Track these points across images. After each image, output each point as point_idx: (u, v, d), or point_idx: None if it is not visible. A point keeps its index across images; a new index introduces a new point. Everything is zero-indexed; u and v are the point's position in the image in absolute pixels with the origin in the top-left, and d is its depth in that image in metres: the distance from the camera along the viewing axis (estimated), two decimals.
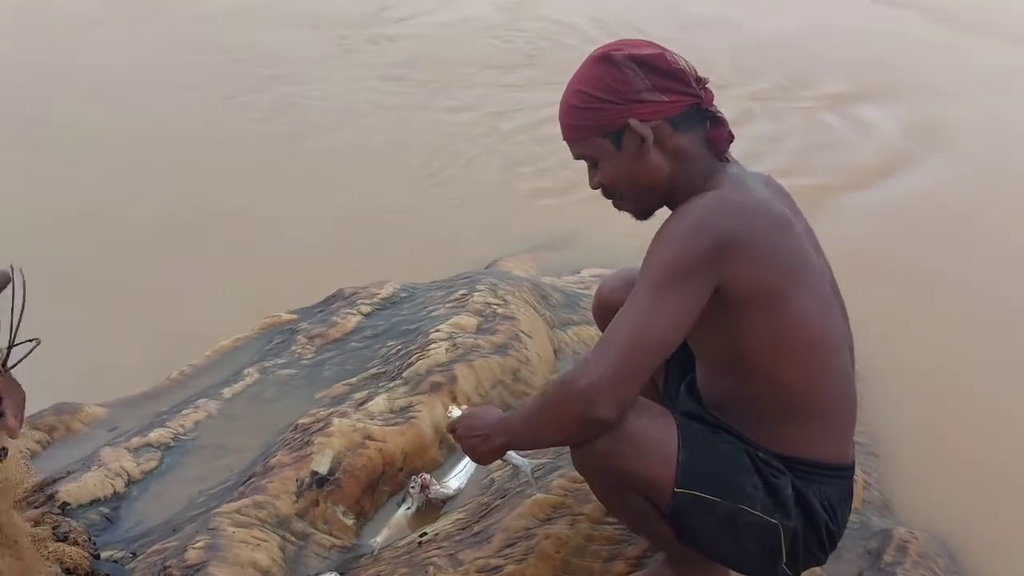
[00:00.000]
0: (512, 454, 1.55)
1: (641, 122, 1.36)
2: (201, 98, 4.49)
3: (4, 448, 1.39)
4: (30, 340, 1.15)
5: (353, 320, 2.44)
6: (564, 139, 1.45)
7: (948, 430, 2.42)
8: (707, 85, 1.41)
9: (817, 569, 1.73)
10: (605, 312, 1.62)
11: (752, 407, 1.41)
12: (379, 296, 2.56)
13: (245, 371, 2.26)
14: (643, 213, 1.46)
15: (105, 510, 1.82)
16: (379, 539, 1.76)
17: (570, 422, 1.32)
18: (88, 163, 3.87)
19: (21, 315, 1.14)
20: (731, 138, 1.41)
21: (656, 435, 1.37)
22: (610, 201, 1.48)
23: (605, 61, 1.38)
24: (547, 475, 1.85)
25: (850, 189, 3.79)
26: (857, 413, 2.28)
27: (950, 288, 3.11)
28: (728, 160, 1.41)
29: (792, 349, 1.35)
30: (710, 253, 1.29)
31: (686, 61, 1.39)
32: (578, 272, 3.13)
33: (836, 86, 4.85)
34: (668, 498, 1.37)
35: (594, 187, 1.46)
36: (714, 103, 1.41)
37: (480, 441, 1.47)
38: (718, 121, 1.40)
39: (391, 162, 3.93)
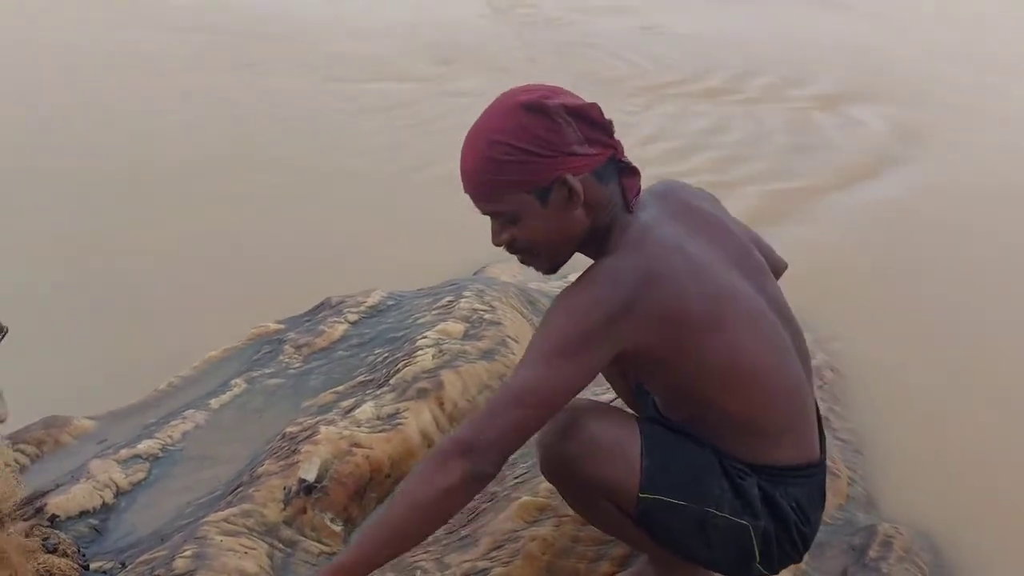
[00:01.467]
0: None
1: (575, 176, 1.31)
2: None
3: None
4: None
5: (340, 329, 2.45)
6: (471, 194, 1.35)
7: (932, 427, 2.45)
8: (613, 130, 1.36)
9: (802, 566, 1.76)
10: None
11: (708, 428, 1.42)
12: (366, 304, 2.57)
13: (232, 381, 2.27)
14: (554, 268, 1.42)
15: (94, 522, 1.83)
16: None
17: (450, 494, 1.28)
18: (68, 175, 3.88)
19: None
20: (639, 190, 1.38)
21: (619, 440, 1.39)
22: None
23: (535, 111, 1.29)
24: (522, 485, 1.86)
25: (833, 190, 3.84)
26: (840, 409, 2.31)
27: (933, 288, 3.15)
28: (632, 211, 1.36)
29: (730, 383, 1.36)
30: (604, 329, 1.28)
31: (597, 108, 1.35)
32: (565, 277, 3.15)
33: (822, 88, 4.90)
34: (634, 503, 1.38)
35: (500, 243, 1.38)
36: (624, 153, 1.37)
37: None
38: (631, 171, 1.37)
39: (377, 169, 3.95)
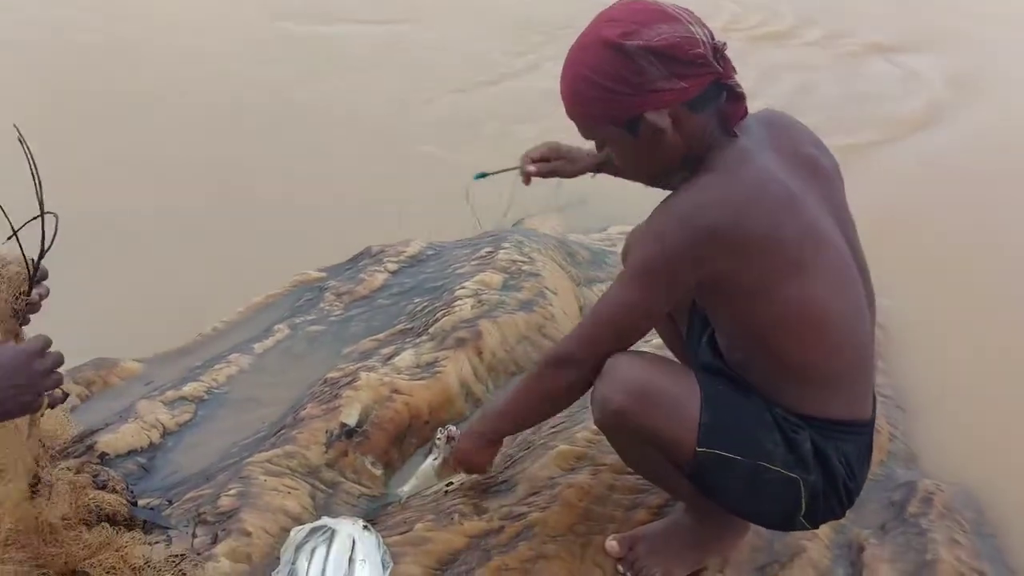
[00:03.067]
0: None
1: (658, 112, 1.30)
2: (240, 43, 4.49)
3: (51, 396, 1.44)
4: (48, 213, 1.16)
5: (380, 278, 2.47)
6: (572, 118, 1.39)
7: (976, 386, 2.40)
8: (724, 52, 1.32)
9: (842, 520, 1.75)
10: None
11: (767, 371, 1.41)
12: (405, 254, 2.58)
13: (276, 327, 2.30)
14: (652, 184, 1.44)
15: (141, 460, 1.88)
16: (406, 488, 1.80)
17: (555, 393, 1.49)
18: (123, 106, 3.91)
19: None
20: (745, 113, 1.35)
21: (678, 395, 1.39)
22: None
23: (616, 51, 1.28)
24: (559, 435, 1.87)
25: (886, 142, 3.73)
26: (884, 366, 2.28)
27: (986, 244, 3.06)
28: (736, 135, 1.34)
29: (798, 329, 1.35)
30: (688, 253, 1.30)
31: (703, 30, 1.30)
32: (605, 229, 3.13)
33: (876, 36, 4.75)
34: (689, 457, 1.39)
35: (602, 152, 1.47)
36: (733, 76, 1.33)
37: (475, 452, 1.64)
38: (735, 96, 1.34)
39: (416, 120, 3.93)
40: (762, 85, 4.09)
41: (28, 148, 1.11)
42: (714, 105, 1.33)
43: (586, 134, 1.40)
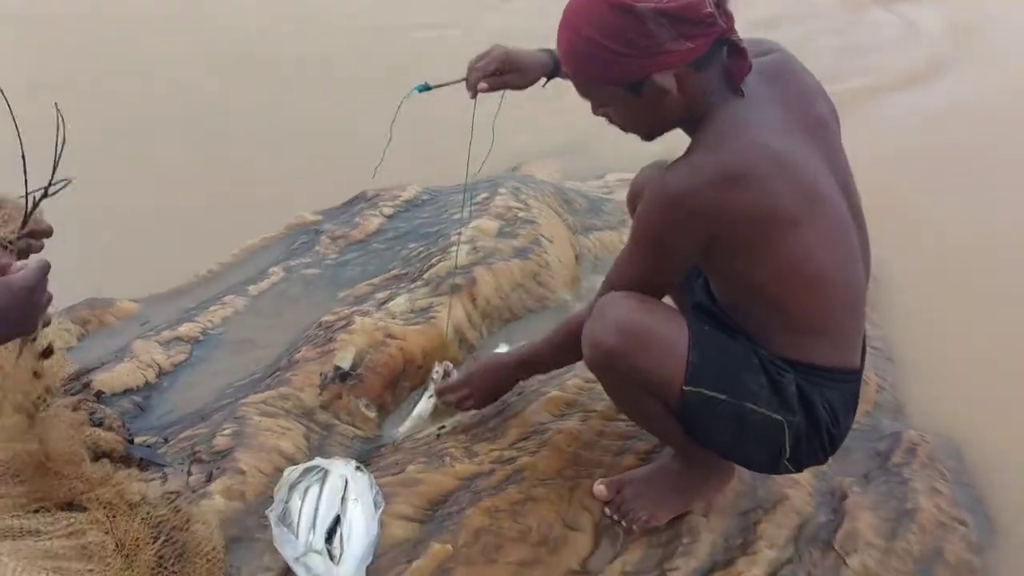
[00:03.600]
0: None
1: (664, 73, 1.29)
2: None
3: (50, 344, 1.46)
4: (62, 181, 1.16)
5: (376, 222, 2.47)
6: (574, 79, 1.38)
7: (965, 339, 2.41)
8: (727, 7, 1.30)
9: (824, 468, 1.78)
10: (637, 203, 1.63)
11: (758, 318, 1.44)
12: (401, 198, 2.57)
13: (271, 269, 2.31)
14: (651, 139, 1.44)
15: (137, 399, 1.90)
16: (403, 428, 1.83)
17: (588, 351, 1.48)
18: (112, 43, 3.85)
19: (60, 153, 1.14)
20: (749, 68, 1.34)
21: (667, 335, 1.42)
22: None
23: (625, 12, 1.25)
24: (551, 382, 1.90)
25: (882, 93, 3.70)
26: (876, 317, 2.30)
27: (978, 199, 3.05)
28: (743, 93, 1.34)
29: (793, 282, 1.37)
30: (686, 226, 1.33)
31: None
32: (602, 177, 3.12)
33: None
34: (676, 396, 1.42)
35: (598, 115, 1.43)
36: (735, 30, 1.32)
37: (498, 381, 1.76)
38: (738, 52, 1.32)
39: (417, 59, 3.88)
40: (762, 34, 4.04)
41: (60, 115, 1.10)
42: (717, 61, 1.33)
43: (583, 93, 1.39)
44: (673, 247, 1.38)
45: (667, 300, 1.73)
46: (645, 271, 1.43)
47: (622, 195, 2.07)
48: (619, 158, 3.16)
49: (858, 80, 3.77)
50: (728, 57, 1.33)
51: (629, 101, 1.34)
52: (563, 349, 1.61)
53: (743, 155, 1.31)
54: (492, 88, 1.62)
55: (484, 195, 2.53)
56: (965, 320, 2.47)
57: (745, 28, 1.35)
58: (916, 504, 1.78)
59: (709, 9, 1.27)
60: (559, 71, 1.59)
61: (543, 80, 1.65)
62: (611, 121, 1.42)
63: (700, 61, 1.30)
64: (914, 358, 2.33)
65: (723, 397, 1.41)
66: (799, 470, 1.54)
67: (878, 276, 2.60)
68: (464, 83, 1.64)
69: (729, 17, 1.31)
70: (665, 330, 1.42)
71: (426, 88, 1.65)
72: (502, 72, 1.61)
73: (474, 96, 1.63)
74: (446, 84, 1.65)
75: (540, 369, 1.76)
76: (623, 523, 1.62)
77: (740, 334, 1.45)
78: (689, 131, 1.38)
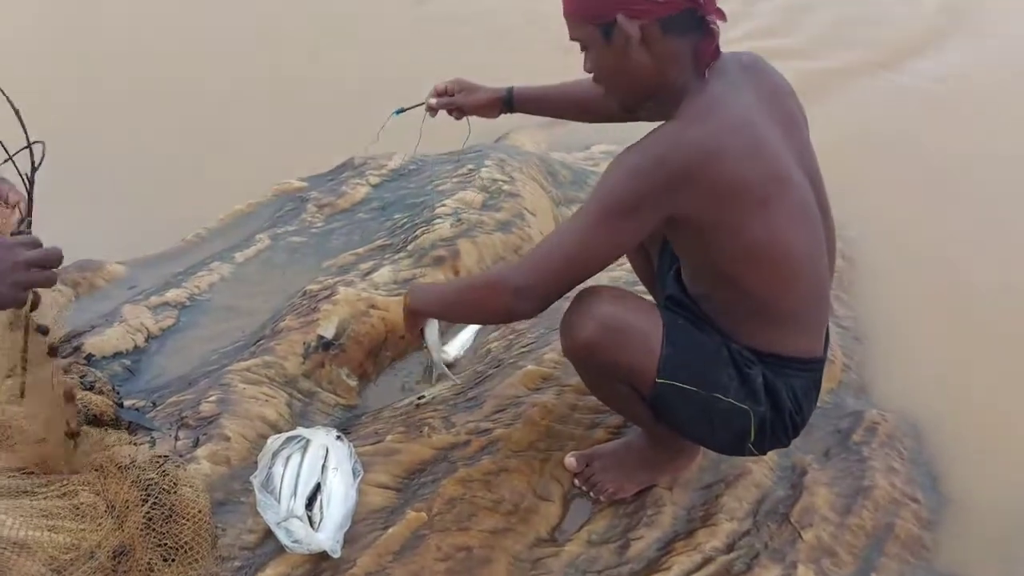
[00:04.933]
0: (431, 343, 1.73)
1: (630, 19, 1.35)
2: None
3: (37, 296, 1.48)
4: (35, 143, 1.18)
5: (362, 191, 2.50)
6: (564, 15, 1.45)
7: (933, 320, 2.48)
8: None
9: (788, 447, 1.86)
10: None
11: (727, 306, 1.50)
12: (388, 167, 2.61)
13: (257, 236, 2.35)
14: (625, 108, 1.49)
15: (127, 362, 1.96)
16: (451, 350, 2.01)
17: (492, 309, 1.52)
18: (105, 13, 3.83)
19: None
20: (716, 55, 1.39)
21: (643, 328, 1.48)
22: None
23: None
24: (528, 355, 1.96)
25: (873, 69, 3.72)
26: (846, 297, 2.36)
27: (961, 177, 3.10)
28: (706, 76, 1.39)
29: (760, 264, 1.42)
30: (658, 192, 1.35)
31: None
32: (588, 148, 3.15)
33: None
34: (650, 386, 1.48)
35: (587, 71, 1.48)
36: (713, 12, 1.37)
37: (403, 301, 1.67)
38: (709, 33, 1.38)
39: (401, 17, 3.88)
40: (758, 4, 4.05)
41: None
42: (688, 37, 1.38)
43: (571, 32, 1.45)
44: (642, 211, 1.36)
45: (643, 293, 1.80)
46: (604, 237, 1.39)
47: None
48: (605, 130, 3.18)
49: (849, 54, 3.80)
50: (699, 37, 1.38)
51: (601, 47, 1.40)
52: (457, 298, 1.62)
53: (725, 127, 1.36)
54: (443, 106, 1.84)
55: (470, 167, 2.57)
56: (933, 303, 2.53)
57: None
58: (872, 481, 1.87)
59: None
60: (514, 105, 1.81)
61: (499, 112, 1.84)
62: (595, 78, 1.48)
63: (668, 23, 1.36)
64: (882, 338, 2.40)
65: (694, 389, 1.47)
66: (763, 453, 1.63)
67: (852, 256, 2.67)
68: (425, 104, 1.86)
69: (711, 0, 1.37)
70: (641, 324, 1.48)
71: (402, 111, 1.88)
72: (453, 93, 1.83)
73: (433, 114, 1.85)
74: (414, 107, 1.87)
75: (431, 309, 1.67)
76: (591, 494, 1.70)
77: (711, 327, 1.50)
78: (663, 111, 1.42)
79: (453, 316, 1.78)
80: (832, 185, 1.54)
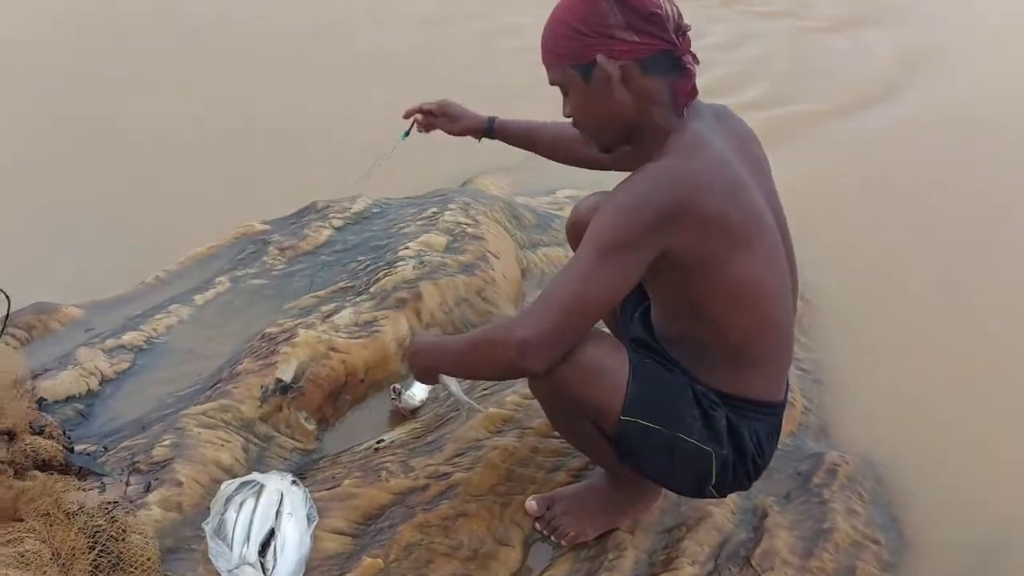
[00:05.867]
0: (449, 380, 1.63)
1: (609, 59, 1.38)
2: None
3: None
4: None
5: (325, 233, 2.50)
6: (542, 59, 1.48)
7: (894, 362, 2.51)
8: (687, 33, 1.42)
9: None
10: (578, 231, 1.67)
11: (697, 348, 1.51)
12: (351, 210, 2.61)
13: (217, 279, 2.33)
14: (604, 148, 1.52)
15: (80, 406, 1.92)
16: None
17: (500, 366, 1.46)
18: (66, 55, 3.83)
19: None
20: (694, 93, 1.43)
21: (609, 366, 1.48)
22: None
23: None
24: (489, 397, 1.95)
25: (831, 117, 3.82)
26: (806, 340, 2.38)
27: (918, 222, 3.18)
28: (684, 116, 1.42)
29: (737, 304, 1.43)
30: (652, 227, 1.35)
31: (673, 7, 1.41)
32: (553, 193, 3.18)
33: (835, 9, 4.80)
34: (614, 424, 1.48)
35: (566, 115, 1.51)
36: (689, 55, 1.41)
37: (412, 358, 1.61)
38: (686, 73, 1.41)
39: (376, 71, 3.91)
40: (724, 52, 4.16)
41: None
42: (666, 77, 1.41)
43: (550, 76, 1.48)
44: (634, 252, 1.36)
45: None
46: (606, 278, 1.37)
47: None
48: (570, 175, 3.22)
49: (807, 104, 3.90)
50: (677, 77, 1.42)
51: (581, 87, 1.43)
52: (465, 357, 1.54)
53: (709, 164, 1.39)
54: (424, 124, 1.92)
55: (434, 210, 2.58)
56: (896, 345, 2.57)
57: (705, 51, 1.46)
58: (833, 524, 1.87)
59: (659, 12, 1.39)
60: (494, 136, 1.89)
61: (478, 137, 1.91)
62: (575, 123, 1.50)
63: (647, 63, 1.39)
64: (842, 381, 2.42)
65: (658, 427, 1.47)
66: (723, 495, 1.63)
67: (812, 299, 2.70)
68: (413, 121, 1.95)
69: (686, 40, 1.42)
70: (608, 361, 1.47)
71: (407, 135, 1.94)
72: (435, 115, 1.90)
73: (420, 130, 1.93)
74: (408, 130, 1.94)
75: (443, 367, 1.59)
76: (552, 538, 1.69)
77: (677, 368, 1.51)
78: (642, 154, 1.44)
79: (468, 374, 1.67)
80: (792, 228, 1.57)
